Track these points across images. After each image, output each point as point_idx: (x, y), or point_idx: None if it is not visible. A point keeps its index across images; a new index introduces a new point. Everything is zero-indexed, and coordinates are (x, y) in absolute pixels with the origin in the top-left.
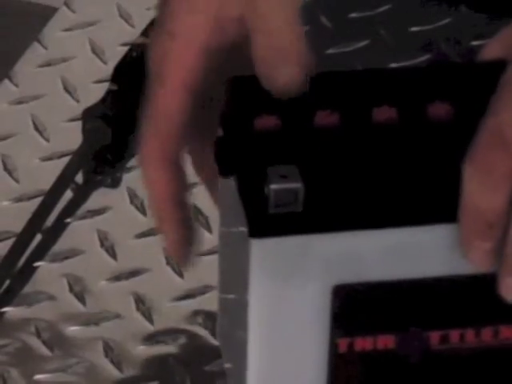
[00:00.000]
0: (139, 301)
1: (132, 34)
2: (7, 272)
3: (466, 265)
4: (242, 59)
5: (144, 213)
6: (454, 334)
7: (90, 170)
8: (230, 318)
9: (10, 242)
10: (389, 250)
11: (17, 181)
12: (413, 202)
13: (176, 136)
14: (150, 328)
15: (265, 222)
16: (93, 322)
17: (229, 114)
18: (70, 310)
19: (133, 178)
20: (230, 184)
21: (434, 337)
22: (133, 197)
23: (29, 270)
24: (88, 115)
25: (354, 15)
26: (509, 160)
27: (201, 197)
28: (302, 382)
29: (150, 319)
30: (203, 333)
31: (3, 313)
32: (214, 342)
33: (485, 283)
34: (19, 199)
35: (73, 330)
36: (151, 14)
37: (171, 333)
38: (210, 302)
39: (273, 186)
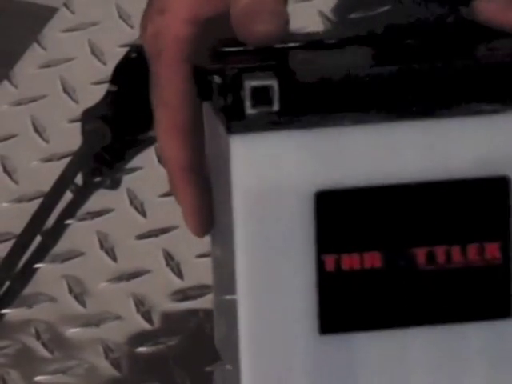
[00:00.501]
0: (139, 302)
1: (131, 34)
2: (7, 273)
3: (453, 168)
4: (229, 29)
5: (144, 214)
6: (440, 252)
7: (89, 171)
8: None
9: (9, 244)
10: (372, 148)
11: (16, 182)
12: (396, 94)
13: (183, 104)
14: (149, 329)
15: (242, 120)
16: (93, 323)
17: (210, 49)
18: (69, 312)
19: (133, 180)
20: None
21: (421, 255)
22: (133, 198)
23: (29, 272)
24: (87, 116)
25: (353, 16)
26: None
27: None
28: (290, 301)
29: (150, 320)
30: (203, 334)
31: (3, 314)
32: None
33: (466, 191)
34: (19, 200)
35: (73, 331)
36: None
37: (171, 334)
38: (209, 303)
39: (248, 84)
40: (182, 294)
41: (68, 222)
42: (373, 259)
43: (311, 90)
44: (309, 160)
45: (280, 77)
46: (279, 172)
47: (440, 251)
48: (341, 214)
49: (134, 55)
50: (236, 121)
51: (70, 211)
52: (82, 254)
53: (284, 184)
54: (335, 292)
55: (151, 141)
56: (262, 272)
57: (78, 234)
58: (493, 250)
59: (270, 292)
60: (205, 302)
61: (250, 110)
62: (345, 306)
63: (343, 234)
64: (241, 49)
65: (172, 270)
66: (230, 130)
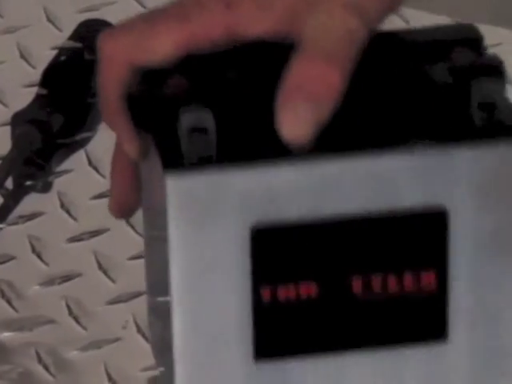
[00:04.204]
0: (72, 305)
1: (60, 37)
2: None
3: (385, 201)
4: None
5: (75, 217)
6: (376, 281)
7: (20, 174)
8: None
9: None
10: (305, 185)
11: None
12: (327, 133)
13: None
14: (83, 333)
15: (179, 159)
16: (26, 327)
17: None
18: (2, 316)
19: (63, 182)
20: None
21: (357, 284)
22: (64, 201)
23: None
24: (17, 120)
25: None
26: None
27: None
28: (226, 333)
29: (82, 324)
30: (136, 337)
31: None
32: (147, 346)
33: (402, 224)
34: None
35: (6, 336)
36: (79, 18)
37: (104, 337)
38: (142, 305)
39: (185, 125)
40: (115, 297)
41: None
42: (308, 289)
43: (249, 130)
44: (245, 197)
45: (217, 117)
46: (214, 208)
47: (376, 280)
48: (276, 249)
49: (63, 58)
50: (172, 160)
51: (1, 215)
52: (13, 258)
53: (220, 220)
54: (271, 322)
55: (82, 143)
56: (198, 302)
57: (10, 238)
58: (428, 278)
59: (206, 321)
60: (138, 305)
61: (186, 149)
62: (280, 335)
63: (279, 266)
64: (175, 71)
65: (104, 272)
66: (167, 169)
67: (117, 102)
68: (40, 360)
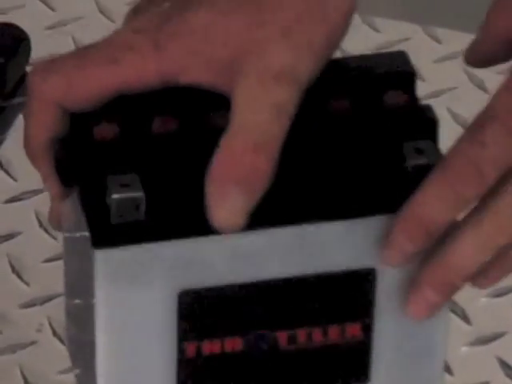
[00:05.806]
0: None
1: None
2: None
3: (305, 266)
4: None
5: None
6: (302, 334)
7: None
8: (78, 322)
9: None
10: (232, 254)
11: None
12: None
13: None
14: None
15: (108, 232)
16: None
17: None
18: None
19: None
20: (72, 193)
21: (282, 337)
22: None
23: None
24: None
25: None
26: (476, 190)
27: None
28: None
29: None
30: (52, 340)
31: None
32: (63, 349)
33: (328, 284)
34: None
35: None
36: None
37: (19, 341)
38: (57, 308)
39: (114, 196)
40: (29, 300)
41: None
42: (233, 345)
43: (177, 200)
44: (173, 266)
45: (146, 184)
46: (142, 277)
47: (301, 333)
48: (202, 309)
49: None
50: (101, 232)
51: None
52: None
53: (147, 287)
54: (196, 375)
55: None
56: (123, 357)
57: None
58: (353, 330)
59: (131, 372)
60: (52, 308)
61: (115, 220)
62: None
63: (204, 325)
64: (102, 115)
65: (18, 276)
66: (95, 241)
67: (42, 145)
68: None
